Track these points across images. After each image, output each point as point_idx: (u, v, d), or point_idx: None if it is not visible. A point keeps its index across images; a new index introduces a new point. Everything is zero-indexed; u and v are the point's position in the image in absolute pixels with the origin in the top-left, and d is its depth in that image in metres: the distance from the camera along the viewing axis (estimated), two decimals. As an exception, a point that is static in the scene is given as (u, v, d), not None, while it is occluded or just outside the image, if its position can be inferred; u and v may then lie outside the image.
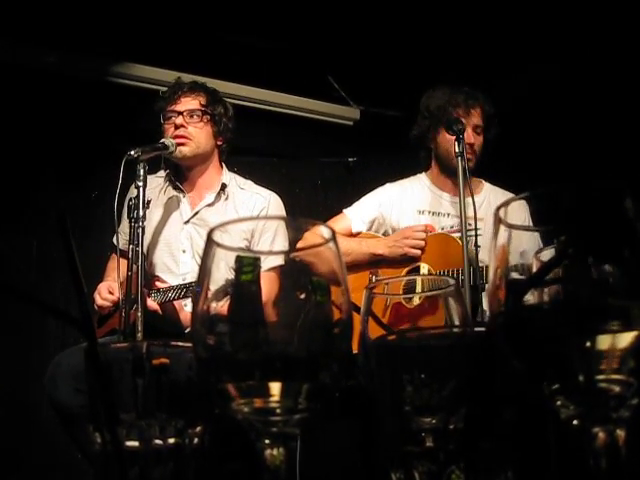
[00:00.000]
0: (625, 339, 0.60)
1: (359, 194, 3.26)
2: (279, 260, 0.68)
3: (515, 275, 0.66)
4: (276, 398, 0.62)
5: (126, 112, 3.88)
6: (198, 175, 2.98)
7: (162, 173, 3.05)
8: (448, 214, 3.04)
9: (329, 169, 4.61)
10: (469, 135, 3.01)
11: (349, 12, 3.76)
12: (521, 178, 3.13)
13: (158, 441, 0.80)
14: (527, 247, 0.66)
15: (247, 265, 0.65)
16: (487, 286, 0.70)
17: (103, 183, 3.54)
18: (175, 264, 2.88)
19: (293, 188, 4.31)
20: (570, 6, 3.53)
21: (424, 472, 0.84)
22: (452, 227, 2.92)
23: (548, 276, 0.63)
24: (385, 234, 3.14)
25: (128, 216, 2.62)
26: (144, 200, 2.61)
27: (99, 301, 2.75)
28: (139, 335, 2.43)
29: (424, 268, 2.95)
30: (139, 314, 2.44)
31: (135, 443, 0.79)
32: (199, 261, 0.67)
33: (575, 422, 0.63)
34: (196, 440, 0.82)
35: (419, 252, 2.86)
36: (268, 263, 0.69)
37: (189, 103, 2.91)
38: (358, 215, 3.16)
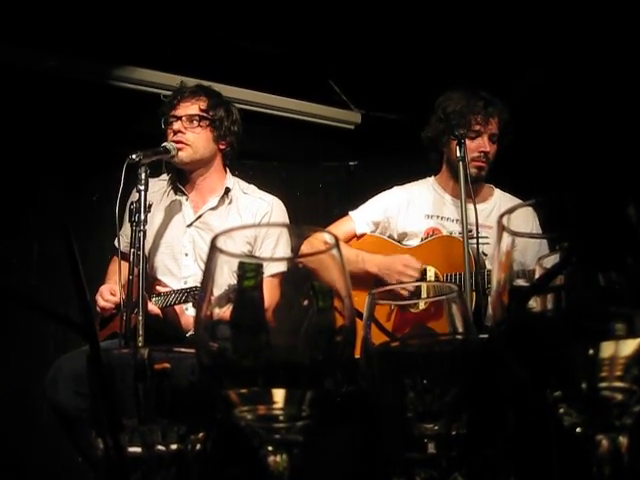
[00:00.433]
0: (628, 346, 0.59)
1: (360, 198, 3.26)
2: (282, 266, 0.68)
3: (519, 282, 0.66)
4: (279, 405, 0.62)
5: (128, 116, 3.88)
6: (201, 179, 2.98)
7: (165, 176, 3.05)
8: (456, 220, 3.01)
9: (330, 173, 4.61)
10: (485, 143, 2.99)
11: (350, 17, 3.77)
12: (525, 183, 3.14)
13: (160, 447, 0.80)
14: (531, 254, 0.66)
15: (250, 271, 0.65)
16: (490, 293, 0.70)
17: (104, 186, 3.54)
18: (177, 267, 2.88)
19: (294, 192, 4.30)
20: (570, 9, 3.53)
21: (426, 478, 0.84)
22: (460, 233, 2.90)
23: (551, 283, 0.63)
24: (390, 237, 3.13)
25: (129, 220, 2.63)
26: (145, 204, 2.61)
27: (101, 303, 2.75)
28: (140, 339, 2.43)
29: (430, 271, 2.95)
30: (140, 318, 2.44)
31: (137, 449, 0.79)
32: (201, 265, 0.68)
33: (578, 429, 0.62)
34: (198, 446, 0.82)
35: (406, 293, 2.56)
36: (271, 269, 0.69)
37: (188, 108, 2.91)
38: (363, 218, 3.15)
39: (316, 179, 4.57)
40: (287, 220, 3.03)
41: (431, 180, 3.23)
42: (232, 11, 3.72)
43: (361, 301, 0.72)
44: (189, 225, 2.92)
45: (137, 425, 0.79)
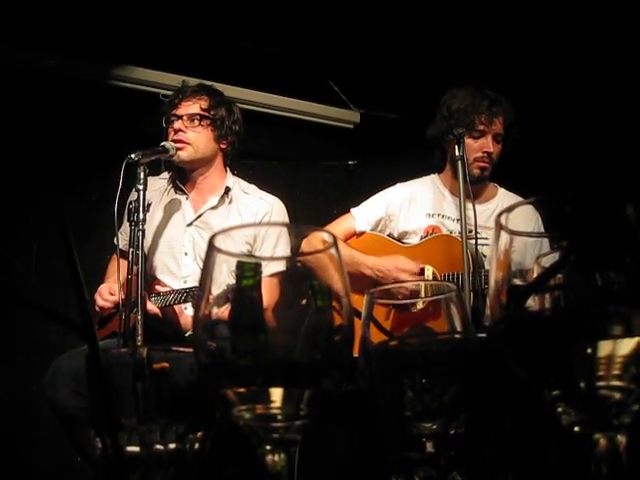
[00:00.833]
0: (626, 346, 0.60)
1: (359, 197, 3.25)
2: (280, 266, 0.68)
3: (517, 281, 0.66)
4: (277, 404, 0.62)
5: (127, 115, 3.88)
6: (201, 178, 2.98)
7: (165, 175, 3.05)
8: (456, 219, 2.97)
9: (330, 172, 4.61)
10: (488, 143, 2.96)
11: (349, 17, 3.77)
12: (526, 182, 3.14)
13: (159, 446, 0.80)
14: (530, 253, 0.66)
15: (248, 270, 0.65)
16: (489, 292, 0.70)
17: (103, 186, 3.53)
18: (177, 266, 2.88)
19: (294, 191, 4.30)
20: (569, 9, 3.53)
21: (425, 478, 0.84)
22: (459, 232, 2.89)
23: (550, 282, 0.63)
24: (390, 235, 3.12)
25: (128, 219, 2.63)
26: (144, 203, 2.61)
27: (100, 302, 2.75)
28: (139, 338, 2.43)
29: (428, 270, 2.94)
30: (139, 317, 2.44)
31: (136, 448, 0.79)
32: (201, 264, 0.68)
33: (576, 428, 0.63)
34: (197, 445, 0.82)
35: (404, 293, 2.60)
36: (269, 269, 0.69)
37: (189, 107, 2.91)
38: (364, 215, 3.13)
39: (315, 178, 4.57)
40: (287, 220, 3.02)
41: (434, 178, 3.21)
42: (231, 11, 3.72)
43: (356, 302, 0.72)
44: (189, 224, 2.92)
45: (136, 424, 0.79)
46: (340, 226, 3.13)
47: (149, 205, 2.70)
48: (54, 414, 2.52)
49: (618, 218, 0.63)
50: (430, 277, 2.94)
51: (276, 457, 0.64)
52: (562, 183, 3.51)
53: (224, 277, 0.65)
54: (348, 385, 0.67)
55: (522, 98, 3.22)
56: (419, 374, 0.82)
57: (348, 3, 3.68)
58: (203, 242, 2.84)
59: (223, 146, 2.99)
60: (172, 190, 3.00)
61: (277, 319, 0.65)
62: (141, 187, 2.62)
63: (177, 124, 2.88)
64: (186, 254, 2.88)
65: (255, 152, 4.03)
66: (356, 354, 0.80)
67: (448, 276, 2.87)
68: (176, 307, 2.73)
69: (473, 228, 2.74)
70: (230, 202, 2.96)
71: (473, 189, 2.84)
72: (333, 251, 0.66)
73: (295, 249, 0.74)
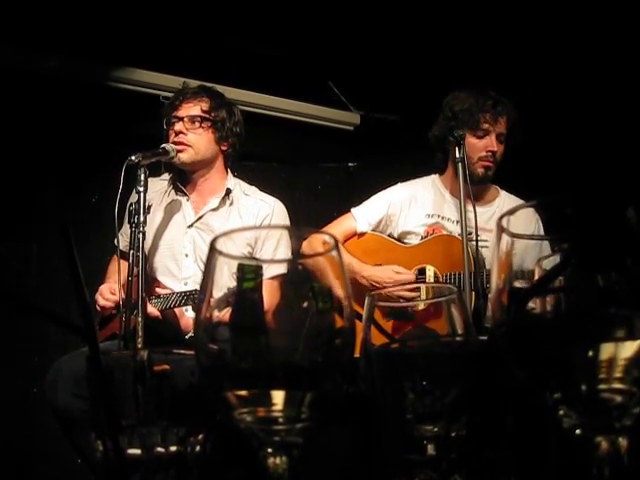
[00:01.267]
0: (628, 348, 0.59)
1: (360, 199, 3.26)
2: (281, 268, 0.68)
3: (518, 283, 0.66)
4: (279, 407, 0.62)
5: (127, 117, 3.88)
6: (202, 180, 2.98)
7: (166, 176, 3.05)
8: (456, 221, 2.98)
9: (329, 174, 4.61)
10: (492, 143, 2.97)
11: (349, 18, 3.77)
12: (526, 183, 3.14)
13: (160, 448, 0.80)
14: (531, 255, 0.66)
15: (249, 273, 0.65)
16: (490, 295, 0.70)
17: (104, 187, 3.54)
18: (177, 268, 2.88)
19: (293, 193, 4.30)
20: (569, 9, 3.53)
21: (426, 480, 0.84)
22: (459, 233, 2.88)
23: (551, 284, 0.63)
24: (390, 235, 3.12)
25: (129, 221, 2.63)
26: (145, 205, 2.61)
27: (101, 302, 2.74)
28: (139, 340, 2.42)
29: (430, 270, 2.95)
30: (139, 319, 2.44)
31: (137, 450, 0.79)
32: (201, 266, 0.68)
33: (578, 431, 0.62)
34: (198, 447, 0.82)
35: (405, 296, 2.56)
36: (270, 271, 0.69)
37: (190, 109, 2.91)
38: (364, 215, 3.14)
39: (315, 180, 4.57)
40: (288, 222, 3.02)
41: (435, 178, 3.20)
42: (231, 13, 3.73)
43: (356, 306, 0.72)
44: (190, 226, 2.92)
45: (136, 427, 0.79)
46: (341, 226, 3.13)
47: (149, 207, 2.70)
48: (54, 416, 2.52)
49: (619, 220, 0.63)
50: (431, 277, 2.94)
51: (277, 460, 0.64)
52: (562, 184, 3.51)
53: (225, 280, 0.65)
54: (349, 387, 0.67)
55: (522, 99, 3.21)
56: (420, 376, 0.82)
57: (348, 4, 3.68)
58: (204, 244, 2.84)
59: (224, 148, 2.98)
60: (172, 191, 3.00)
61: (278, 321, 0.65)
62: (141, 189, 2.62)
63: (178, 126, 2.88)
64: (187, 256, 2.88)
65: (255, 154, 4.03)
66: (357, 354, 0.80)
67: (449, 276, 2.87)
68: (176, 310, 2.73)
69: (473, 230, 2.74)
70: (231, 204, 2.96)
71: (474, 191, 2.84)
72: (334, 253, 0.66)
73: (296, 251, 0.74)
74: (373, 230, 3.14)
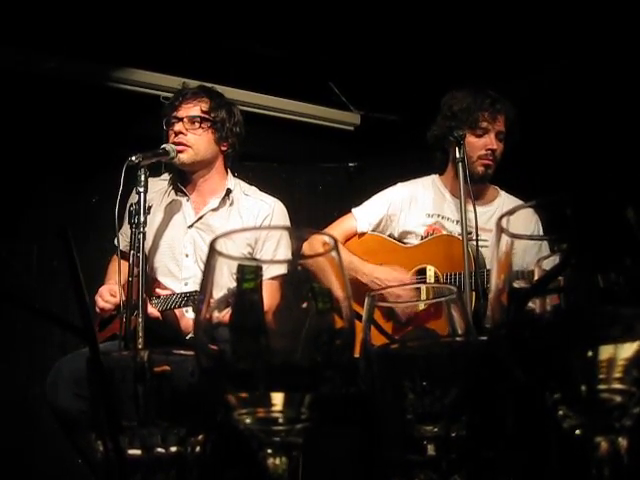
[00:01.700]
0: (628, 348, 0.59)
1: (360, 199, 3.26)
2: (281, 269, 0.68)
3: (518, 283, 0.66)
4: (279, 408, 0.62)
5: (127, 117, 3.88)
6: (202, 180, 2.97)
7: (166, 176, 3.05)
8: (456, 221, 2.98)
9: (330, 174, 4.62)
10: (492, 141, 2.97)
11: (349, 19, 3.77)
12: (525, 183, 3.14)
13: (160, 449, 0.80)
14: (530, 255, 0.66)
15: (249, 273, 0.65)
16: (489, 295, 0.70)
17: (104, 188, 3.53)
18: (177, 268, 2.88)
19: (294, 193, 4.30)
20: (569, 9, 3.53)
21: (426, 480, 0.84)
22: (459, 234, 2.88)
23: (551, 285, 0.63)
24: (391, 235, 3.12)
25: (129, 221, 2.63)
26: (145, 206, 2.61)
27: (101, 303, 2.74)
28: (140, 341, 2.43)
29: (430, 270, 2.95)
30: (140, 320, 2.44)
31: (137, 451, 0.79)
32: (202, 266, 0.68)
33: (577, 431, 0.62)
34: (198, 448, 0.82)
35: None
36: (270, 272, 0.69)
37: (190, 110, 2.90)
38: (365, 216, 3.14)
39: (316, 180, 4.58)
40: (288, 223, 3.02)
41: (435, 178, 3.20)
42: (232, 13, 3.73)
43: (356, 306, 0.72)
44: (190, 226, 2.92)
45: (137, 427, 0.79)
46: (341, 227, 3.13)
47: (150, 207, 2.69)
48: (55, 417, 2.52)
49: (618, 220, 0.63)
50: (432, 277, 2.94)
51: (277, 460, 0.64)
52: (561, 185, 3.50)
53: (225, 280, 0.65)
54: (349, 388, 0.67)
55: (521, 99, 3.21)
56: (420, 377, 0.82)
57: (348, 5, 3.68)
58: (204, 244, 2.84)
59: (224, 148, 2.98)
60: (172, 192, 3.00)
61: (278, 322, 0.65)
62: (142, 189, 2.62)
63: (177, 126, 2.87)
64: (187, 256, 2.88)
65: (255, 154, 4.03)
66: (356, 354, 0.80)
67: (449, 276, 2.87)
68: (177, 310, 2.73)
69: (473, 230, 2.75)
70: (231, 204, 2.96)
71: (474, 191, 2.84)
72: (334, 254, 0.66)
73: (296, 252, 0.74)
74: (374, 230, 3.14)
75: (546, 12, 3.58)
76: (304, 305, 0.65)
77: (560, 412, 0.63)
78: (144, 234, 2.59)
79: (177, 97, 2.95)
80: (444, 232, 3.02)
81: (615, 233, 0.63)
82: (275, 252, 2.60)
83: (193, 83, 3.11)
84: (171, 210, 2.95)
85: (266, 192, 3.06)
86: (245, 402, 0.63)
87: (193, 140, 2.87)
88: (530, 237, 0.66)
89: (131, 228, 2.59)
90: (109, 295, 2.75)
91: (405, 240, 3.10)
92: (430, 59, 3.95)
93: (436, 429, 0.83)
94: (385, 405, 0.87)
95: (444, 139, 3.01)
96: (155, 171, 2.91)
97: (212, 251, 0.66)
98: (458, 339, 0.86)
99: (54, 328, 3.60)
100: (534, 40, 3.75)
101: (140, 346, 2.41)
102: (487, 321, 2.63)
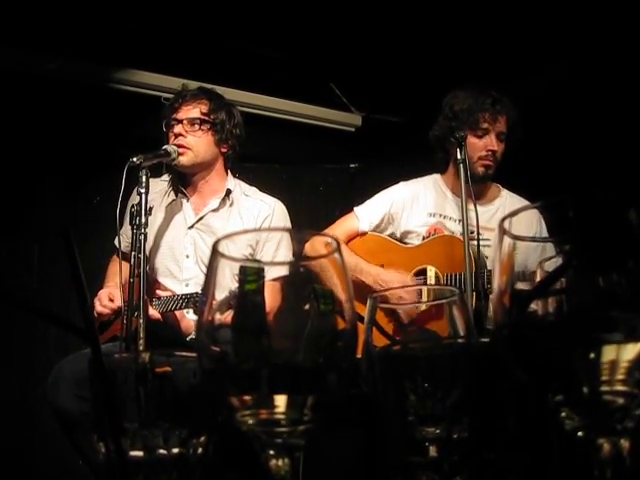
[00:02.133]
0: (630, 350, 0.59)
1: (361, 200, 3.26)
2: (283, 270, 0.68)
3: (520, 284, 0.66)
4: (281, 409, 0.62)
5: (129, 118, 3.88)
6: (202, 182, 2.97)
7: (166, 177, 3.05)
8: (458, 220, 2.98)
9: (331, 175, 4.62)
10: (492, 142, 2.97)
11: (350, 19, 3.77)
12: (528, 183, 3.13)
13: (162, 450, 0.80)
14: (533, 257, 0.66)
15: (251, 275, 0.66)
16: (491, 296, 0.70)
17: (105, 189, 3.54)
18: (178, 269, 2.88)
19: (295, 194, 4.30)
20: (569, 10, 3.53)
21: (428, 482, 0.84)
22: (461, 233, 2.88)
23: (553, 286, 0.63)
24: (392, 235, 3.12)
25: (130, 222, 2.63)
26: (146, 206, 2.61)
27: (99, 308, 2.74)
28: (141, 342, 2.43)
29: (431, 270, 2.95)
30: (141, 321, 2.44)
31: (139, 453, 0.79)
32: (202, 267, 0.68)
33: (580, 433, 0.62)
34: (200, 449, 0.82)
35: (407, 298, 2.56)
36: (272, 273, 0.69)
37: (190, 111, 2.90)
38: (367, 215, 3.14)
39: (317, 181, 4.58)
40: (289, 223, 3.02)
41: (436, 178, 3.21)
42: (232, 14, 3.73)
43: (358, 308, 0.72)
44: (190, 227, 2.92)
45: (139, 429, 0.79)
46: (343, 226, 3.13)
47: (151, 208, 2.70)
48: (56, 418, 2.52)
49: (621, 222, 0.63)
50: (433, 278, 2.94)
51: (280, 462, 0.64)
52: (564, 185, 3.50)
53: (227, 282, 0.65)
54: (351, 389, 0.67)
55: (524, 100, 3.21)
56: (422, 378, 0.82)
57: (349, 6, 3.68)
58: (204, 245, 2.85)
59: (224, 150, 2.98)
60: (173, 192, 3.00)
61: (280, 323, 0.65)
62: (143, 190, 2.62)
63: (177, 128, 2.87)
64: (187, 257, 2.88)
65: (256, 155, 4.03)
66: (358, 355, 0.80)
67: (450, 276, 2.87)
68: (177, 313, 2.73)
69: (474, 229, 2.75)
70: (231, 205, 2.96)
71: (475, 190, 2.84)
72: (336, 255, 0.66)
73: (298, 253, 0.74)
74: (375, 229, 3.14)
75: (547, 12, 3.58)
76: (306, 307, 0.65)
77: (562, 414, 0.63)
78: (145, 235, 2.59)
79: (177, 99, 2.95)
80: (445, 232, 3.02)
81: (617, 235, 0.63)
82: (275, 253, 2.61)
83: (194, 84, 3.11)
84: (171, 211, 2.96)
85: (267, 193, 3.06)
86: (247, 404, 0.63)
87: (193, 142, 2.87)
88: (532, 239, 0.66)
89: (132, 229, 2.59)
90: (107, 300, 2.74)
91: (407, 240, 3.10)
92: (431, 60, 3.95)
93: (438, 430, 0.83)
94: (387, 407, 0.86)
95: (445, 139, 3.01)
96: (156, 172, 2.91)
97: (214, 253, 0.66)
98: (460, 341, 0.86)
99: (54, 328, 3.60)
100: (535, 40, 3.75)
101: (141, 347, 2.41)
102: (488, 322, 2.63)
